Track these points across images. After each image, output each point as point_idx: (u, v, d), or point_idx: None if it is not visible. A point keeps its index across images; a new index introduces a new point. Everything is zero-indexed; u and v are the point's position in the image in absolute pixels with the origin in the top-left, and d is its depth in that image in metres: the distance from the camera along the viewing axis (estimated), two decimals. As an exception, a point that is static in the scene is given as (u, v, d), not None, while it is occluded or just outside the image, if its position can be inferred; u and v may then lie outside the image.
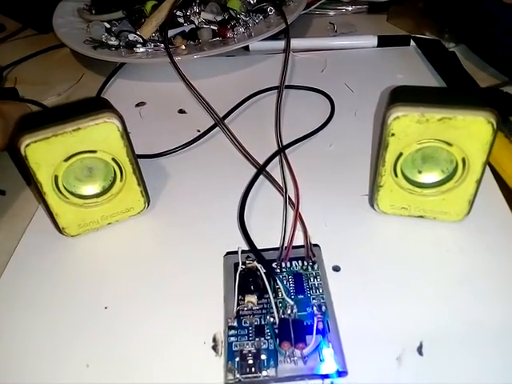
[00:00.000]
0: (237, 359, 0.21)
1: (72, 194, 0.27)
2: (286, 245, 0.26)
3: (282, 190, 0.29)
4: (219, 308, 0.24)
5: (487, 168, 0.30)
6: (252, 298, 0.23)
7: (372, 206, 0.28)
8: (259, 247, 0.26)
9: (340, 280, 0.25)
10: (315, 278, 0.24)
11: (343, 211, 0.28)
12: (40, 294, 0.25)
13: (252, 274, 0.24)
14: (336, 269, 0.25)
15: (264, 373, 0.20)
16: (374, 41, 0.44)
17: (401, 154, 0.24)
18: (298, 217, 0.27)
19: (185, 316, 0.24)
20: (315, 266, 0.25)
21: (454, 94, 0.26)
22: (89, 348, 0.23)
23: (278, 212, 0.28)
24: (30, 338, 0.23)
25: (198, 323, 0.23)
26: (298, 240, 0.26)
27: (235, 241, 0.27)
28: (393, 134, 0.24)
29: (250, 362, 0.21)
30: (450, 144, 0.24)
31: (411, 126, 0.23)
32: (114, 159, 0.26)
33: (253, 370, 0.20)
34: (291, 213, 0.28)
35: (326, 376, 0.20)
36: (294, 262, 0.25)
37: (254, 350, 0.21)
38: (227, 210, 0.29)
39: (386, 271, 0.25)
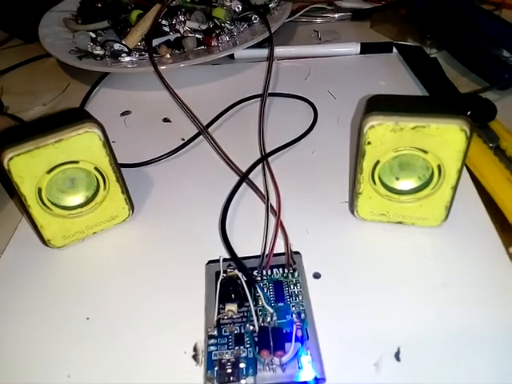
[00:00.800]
0: (216, 368, 0.21)
1: (56, 205, 0.27)
2: (267, 252, 0.26)
3: (264, 198, 0.30)
4: (200, 317, 0.24)
5: (465, 173, 0.31)
6: (232, 307, 0.24)
7: (352, 212, 0.28)
8: (241, 255, 0.26)
9: (320, 287, 0.25)
10: (295, 285, 0.24)
11: (324, 218, 0.29)
12: (25, 306, 0.26)
13: (233, 282, 0.24)
14: (316, 276, 0.25)
15: (243, 381, 0.21)
16: (357, 48, 0.45)
17: (378, 162, 0.25)
18: (279, 224, 0.27)
19: (167, 325, 0.24)
20: (295, 274, 0.25)
21: (430, 102, 0.27)
22: (71, 358, 0.23)
23: (260, 220, 0.29)
24: (12, 350, 0.23)
25: (180, 333, 0.23)
26: (280, 247, 0.27)
27: (217, 249, 0.27)
28: (369, 143, 0.24)
29: (229, 370, 0.21)
30: (425, 151, 0.24)
31: (386, 135, 0.24)
32: (96, 168, 0.26)
33: (231, 378, 0.21)
34: (273, 220, 0.28)
35: (304, 383, 0.21)
36: (274, 270, 0.25)
37: (233, 359, 0.21)
38: (209, 219, 0.29)
39: (366, 277, 0.25)
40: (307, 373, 0.21)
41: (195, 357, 0.22)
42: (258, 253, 0.27)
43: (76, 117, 0.26)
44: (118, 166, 0.27)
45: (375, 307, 0.24)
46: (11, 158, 0.24)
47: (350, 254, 0.27)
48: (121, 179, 0.28)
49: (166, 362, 0.22)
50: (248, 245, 0.27)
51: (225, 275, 0.25)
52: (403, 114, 0.23)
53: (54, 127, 0.25)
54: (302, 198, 0.30)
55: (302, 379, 0.21)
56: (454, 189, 0.25)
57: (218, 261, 0.26)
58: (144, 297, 0.25)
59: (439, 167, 0.24)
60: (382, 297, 0.24)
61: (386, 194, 0.26)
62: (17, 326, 0.24)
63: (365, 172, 0.25)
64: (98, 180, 0.27)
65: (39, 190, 0.26)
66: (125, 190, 0.28)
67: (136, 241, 0.29)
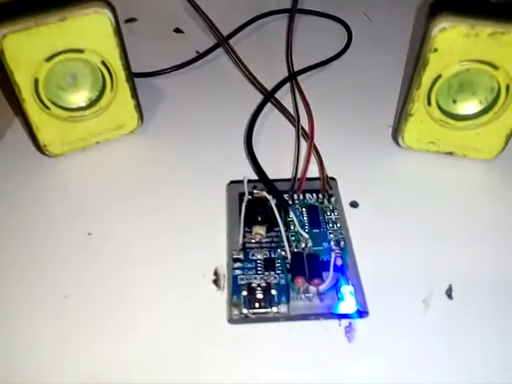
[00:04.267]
0: (244, 293, 0.18)
1: (55, 104, 0.23)
2: (299, 176, 0.23)
3: (294, 120, 0.26)
4: (221, 241, 0.21)
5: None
6: (260, 230, 0.20)
7: (396, 140, 0.25)
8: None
9: (358, 217, 0.22)
10: (332, 211, 0.21)
11: (363, 145, 0.25)
12: (16, 220, 0.22)
13: (260, 204, 0.21)
14: (354, 204, 0.22)
15: (274, 309, 0.18)
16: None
17: (439, 77, 0.21)
18: (312, 147, 0.24)
19: (181, 247, 0.21)
20: (332, 200, 0.22)
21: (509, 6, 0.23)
22: (69, 278, 0.20)
23: (288, 143, 0.25)
24: (3, 270, 0.20)
25: (197, 256, 0.20)
26: (312, 173, 0.23)
27: (239, 170, 0.23)
28: (435, 50, 0.20)
29: (259, 296, 0.18)
30: (495, 67, 0.21)
31: (457, 41, 0.20)
32: (103, 63, 0.22)
33: (262, 304, 0.18)
34: (304, 144, 0.25)
35: (344, 316, 0.18)
36: (307, 195, 0.22)
37: (264, 284, 0.18)
38: (230, 137, 0.26)
39: (409, 210, 0.22)
40: (348, 305, 0.18)
41: (216, 281, 0.20)
42: (287, 177, 0.23)
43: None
44: (128, 63, 0.23)
45: (422, 241, 0.21)
46: (5, 36, 0.20)
47: (391, 185, 0.23)
48: (131, 80, 0.24)
49: (183, 286, 0.19)
50: (276, 168, 0.23)
51: (250, 197, 0.22)
52: (480, 17, 0.20)
53: (58, 3, 0.20)
54: (336, 122, 0.27)
55: (342, 311, 0.18)
56: (521, 115, 0.22)
57: (241, 181, 0.23)
58: (155, 216, 0.22)
59: (508, 87, 0.21)
60: (428, 231, 0.21)
61: (441, 118, 0.23)
62: (7, 244, 0.21)
63: (422, 88, 0.22)
64: (104, 78, 0.23)
65: (36, 82, 0.21)
66: (135, 94, 0.24)
67: (146, 154, 0.25)
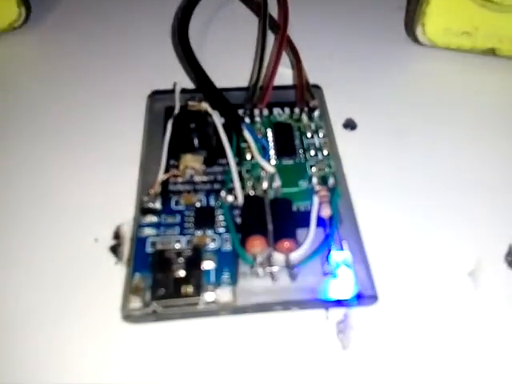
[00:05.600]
0: (154, 269, 0.10)
1: None
2: (261, 84, 0.15)
3: (255, 3, 0.17)
4: (129, 182, 0.12)
5: None
6: (193, 162, 0.12)
7: (412, 32, 0.16)
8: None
9: (357, 143, 0.14)
10: (315, 133, 0.13)
11: (361, 39, 0.17)
12: None
13: (198, 121, 0.13)
14: (349, 125, 0.14)
15: (209, 295, 0.10)
16: None
17: None
18: (284, 40, 0.15)
19: (65, 195, 0.13)
20: (314, 115, 0.14)
21: None
22: None
23: (247, 38, 0.17)
24: None
25: (87, 208, 0.12)
26: (284, 80, 0.15)
27: (166, 77, 0.15)
28: None
29: (182, 273, 0.10)
30: None
31: None
32: None
33: (183, 291, 0.10)
34: (271, 37, 0.16)
35: (336, 303, 0.10)
36: (276, 110, 0.14)
37: (191, 253, 0.10)
38: (155, 33, 0.17)
39: (433, 134, 0.14)
40: (342, 285, 0.10)
41: (115, 249, 0.11)
42: (245, 85, 0.15)
43: None
44: None
45: (458, 181, 0.13)
46: None
47: (405, 97, 0.15)
48: None
49: (61, 256, 0.11)
50: (226, 74, 0.15)
51: (181, 112, 0.13)
52: None
53: None
54: (324, 7, 0.18)
55: (331, 296, 0.10)
56: None
57: (169, 92, 0.14)
58: (40, 136, 0.14)
59: None
60: (465, 166, 0.13)
61: (485, -12, 0.14)
62: None
63: None
64: None
65: None
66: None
67: (31, 58, 0.17)
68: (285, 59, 0.15)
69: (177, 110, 0.13)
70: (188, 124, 0.13)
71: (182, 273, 0.10)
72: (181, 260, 0.10)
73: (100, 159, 0.13)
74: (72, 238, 0.12)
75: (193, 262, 0.10)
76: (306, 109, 0.14)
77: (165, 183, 0.12)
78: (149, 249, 0.10)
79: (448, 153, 0.14)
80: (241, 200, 0.11)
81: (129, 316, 0.10)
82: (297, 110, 0.14)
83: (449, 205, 0.12)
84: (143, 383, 0.09)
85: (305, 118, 0.13)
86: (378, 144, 0.14)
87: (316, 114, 0.13)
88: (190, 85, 0.15)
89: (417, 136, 0.14)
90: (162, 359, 0.10)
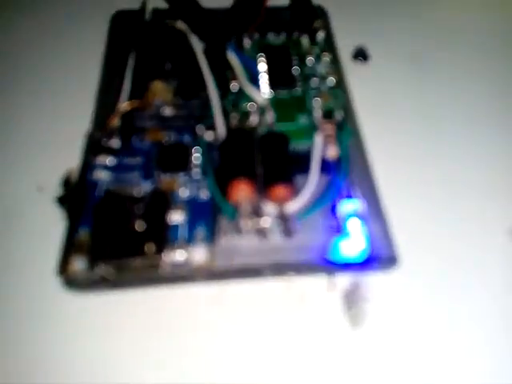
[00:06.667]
0: (103, 225, 0.08)
1: None
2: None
3: None
4: (82, 116, 0.10)
5: None
6: (165, 91, 0.10)
7: None
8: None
9: (370, 77, 0.11)
10: (318, 58, 0.11)
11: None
12: None
13: (171, 40, 0.10)
14: (361, 55, 0.12)
15: (176, 256, 0.07)
16: None
17: None
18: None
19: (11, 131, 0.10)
20: (318, 38, 0.11)
21: None
22: None
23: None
24: None
25: (33, 145, 0.10)
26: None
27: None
28: None
29: (140, 227, 0.07)
30: None
31: None
32: None
33: (144, 249, 0.07)
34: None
35: (345, 266, 0.08)
36: (270, 34, 0.11)
37: (153, 200, 0.08)
38: None
39: (464, 66, 0.12)
40: (354, 243, 0.08)
41: (62, 200, 0.09)
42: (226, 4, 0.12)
43: None
44: None
45: (491, 120, 0.11)
46: None
47: (428, 24, 0.12)
48: None
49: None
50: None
51: (151, 31, 0.11)
52: None
53: None
54: None
55: (340, 256, 0.08)
56: None
57: (137, 12, 0.11)
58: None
59: None
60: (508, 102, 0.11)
61: None
62: None
63: None
64: None
65: None
66: None
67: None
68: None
69: (143, 30, 0.11)
70: (157, 52, 0.10)
71: (141, 225, 0.07)
72: (140, 209, 0.08)
73: (51, 91, 0.11)
74: (15, 186, 0.09)
75: (156, 212, 0.08)
76: (306, 31, 0.11)
77: (127, 117, 0.09)
78: (98, 194, 0.08)
79: (484, 90, 0.11)
80: (223, 134, 0.09)
81: (70, 282, 0.07)
82: (295, 34, 0.11)
83: (483, 147, 0.10)
84: (89, 372, 0.07)
85: (305, 41, 0.11)
86: (396, 77, 0.11)
87: (320, 36, 0.11)
88: (160, 4, 0.12)
89: (439, 65, 0.11)
90: (114, 340, 0.07)
